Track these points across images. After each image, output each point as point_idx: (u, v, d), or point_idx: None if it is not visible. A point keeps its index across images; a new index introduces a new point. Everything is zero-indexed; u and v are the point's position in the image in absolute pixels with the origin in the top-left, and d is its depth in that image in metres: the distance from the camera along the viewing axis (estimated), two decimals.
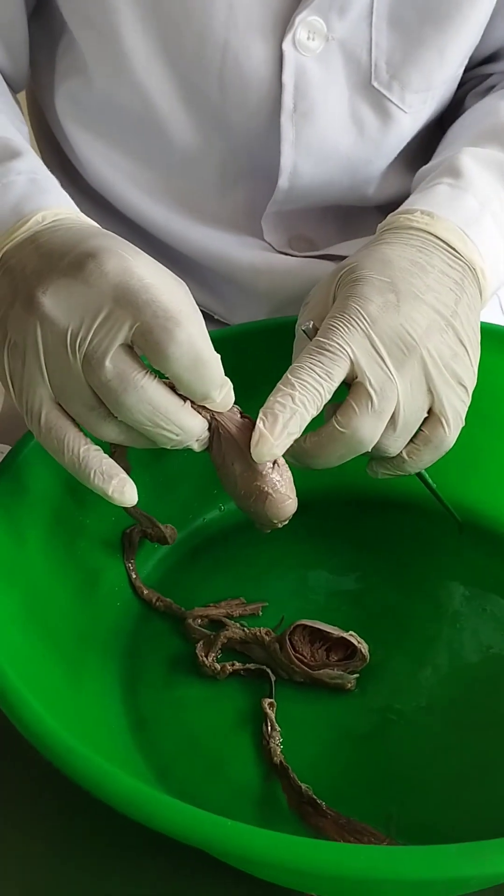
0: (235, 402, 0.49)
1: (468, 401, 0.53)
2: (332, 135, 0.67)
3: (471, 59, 0.71)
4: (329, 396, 0.48)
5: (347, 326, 0.49)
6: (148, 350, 0.44)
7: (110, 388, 0.45)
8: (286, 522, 0.50)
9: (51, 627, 0.51)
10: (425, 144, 0.73)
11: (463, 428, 0.63)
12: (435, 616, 0.58)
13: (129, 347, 0.45)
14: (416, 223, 0.55)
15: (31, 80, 0.74)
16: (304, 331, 0.52)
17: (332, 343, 0.48)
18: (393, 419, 0.49)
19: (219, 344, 0.46)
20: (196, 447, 0.49)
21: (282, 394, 0.47)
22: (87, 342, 0.45)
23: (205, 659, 0.54)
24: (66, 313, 0.45)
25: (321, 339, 0.49)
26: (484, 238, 0.56)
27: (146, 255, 0.48)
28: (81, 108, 0.71)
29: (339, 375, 0.48)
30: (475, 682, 0.54)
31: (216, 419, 0.49)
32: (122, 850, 0.47)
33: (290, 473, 0.50)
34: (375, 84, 0.65)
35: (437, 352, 0.50)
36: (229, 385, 0.48)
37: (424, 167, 0.66)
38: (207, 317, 0.77)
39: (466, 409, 0.53)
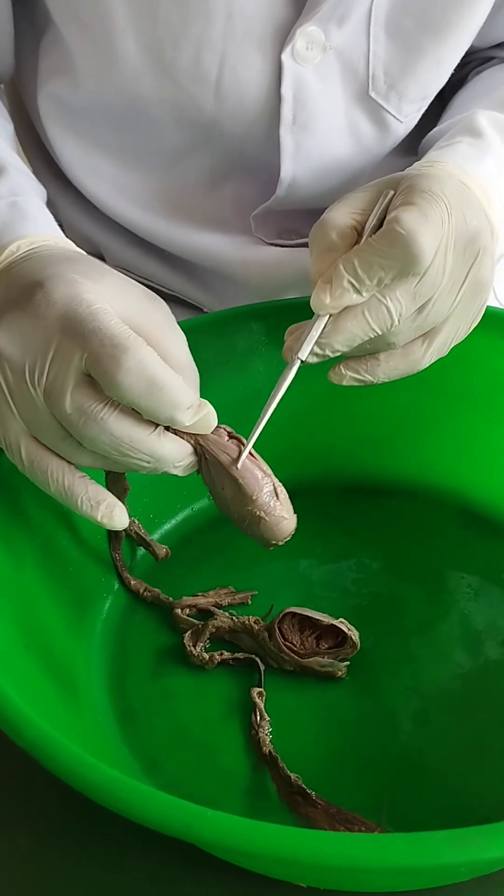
0: (224, 424, 0.47)
1: (457, 342, 0.52)
2: (331, 146, 0.66)
3: (472, 46, 0.69)
4: None
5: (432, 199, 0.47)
6: (100, 380, 0.43)
7: (71, 421, 0.44)
8: (288, 539, 0.49)
9: (36, 618, 0.51)
10: (413, 134, 0.72)
11: (455, 411, 0.63)
12: (426, 602, 0.57)
13: (90, 377, 0.44)
14: (450, 170, 0.53)
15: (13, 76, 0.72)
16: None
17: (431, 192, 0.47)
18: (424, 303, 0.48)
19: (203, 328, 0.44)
20: (178, 472, 0.47)
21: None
22: (45, 377, 0.44)
23: (193, 649, 0.53)
24: (20, 350, 0.44)
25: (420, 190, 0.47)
26: (500, 200, 0.54)
27: (115, 272, 0.47)
28: (65, 109, 0.69)
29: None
30: (467, 668, 0.53)
31: (200, 443, 0.47)
32: (112, 843, 0.46)
33: (285, 492, 0.48)
34: (373, 94, 0.64)
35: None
36: (207, 407, 0.46)
37: (436, 129, 0.65)
38: (197, 309, 0.76)
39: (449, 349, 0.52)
